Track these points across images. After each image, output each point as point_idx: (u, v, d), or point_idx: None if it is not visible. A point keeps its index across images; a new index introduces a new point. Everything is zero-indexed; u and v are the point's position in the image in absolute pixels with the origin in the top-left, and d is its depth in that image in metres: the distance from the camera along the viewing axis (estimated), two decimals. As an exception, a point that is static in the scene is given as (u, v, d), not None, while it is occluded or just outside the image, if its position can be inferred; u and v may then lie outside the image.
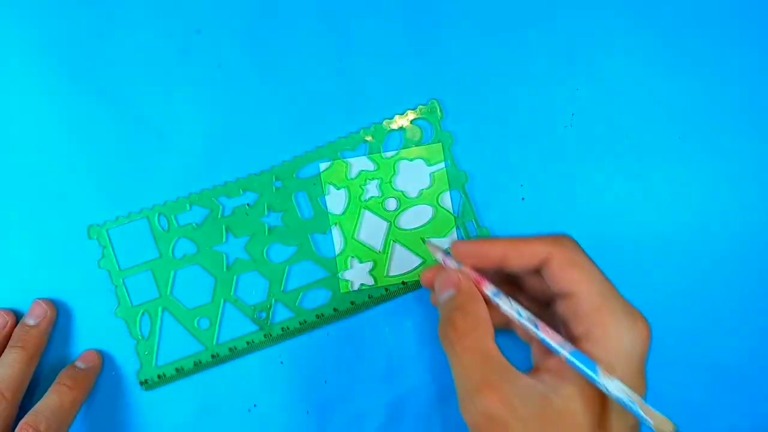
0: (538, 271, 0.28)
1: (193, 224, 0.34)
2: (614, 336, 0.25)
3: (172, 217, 0.34)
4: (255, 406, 0.34)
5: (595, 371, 0.25)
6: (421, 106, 0.35)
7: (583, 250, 0.27)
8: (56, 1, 0.34)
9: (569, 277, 0.26)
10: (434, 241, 0.34)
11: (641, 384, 0.26)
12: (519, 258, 0.28)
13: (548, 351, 0.27)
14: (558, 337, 0.26)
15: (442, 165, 0.35)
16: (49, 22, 0.34)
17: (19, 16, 0.34)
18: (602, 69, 0.35)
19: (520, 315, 0.27)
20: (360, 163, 0.35)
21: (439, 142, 0.35)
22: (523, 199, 0.35)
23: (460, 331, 0.27)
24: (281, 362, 0.35)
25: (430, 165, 0.35)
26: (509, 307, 0.28)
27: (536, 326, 0.27)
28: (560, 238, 0.27)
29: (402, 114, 0.35)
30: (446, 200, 0.35)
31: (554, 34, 0.35)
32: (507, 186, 0.35)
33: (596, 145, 0.35)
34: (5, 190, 0.34)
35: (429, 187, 0.35)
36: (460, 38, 0.35)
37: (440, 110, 0.35)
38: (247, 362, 0.35)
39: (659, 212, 0.36)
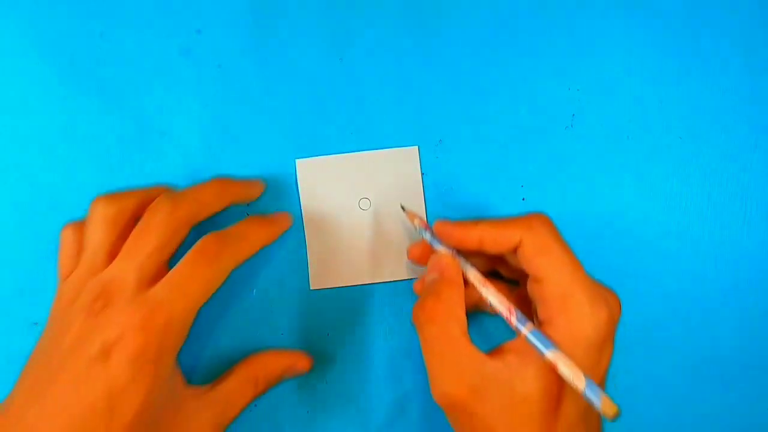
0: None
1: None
2: (576, 324, 0.26)
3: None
4: (255, 405, 0.34)
5: (547, 349, 0.26)
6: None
7: (556, 232, 0.28)
8: (57, 1, 0.34)
9: (537, 263, 0.27)
10: (413, 211, 0.34)
11: (601, 366, 0.27)
12: (494, 243, 0.29)
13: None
14: (520, 315, 0.27)
15: (418, 166, 0.35)
16: (49, 21, 0.34)
17: (19, 15, 0.34)
18: (602, 69, 0.35)
19: (489, 292, 0.29)
20: (346, 162, 0.35)
21: (416, 145, 0.35)
22: (523, 199, 0.35)
23: (429, 314, 0.28)
24: (281, 362, 0.35)
25: (409, 166, 0.35)
26: (486, 291, 0.29)
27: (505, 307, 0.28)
28: (533, 221, 0.28)
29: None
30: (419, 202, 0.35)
31: (554, 35, 0.35)
32: (507, 186, 0.35)
33: (596, 145, 0.35)
34: (4, 189, 0.34)
35: (410, 188, 0.35)
36: (459, 37, 0.35)
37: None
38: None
39: (659, 212, 0.36)
